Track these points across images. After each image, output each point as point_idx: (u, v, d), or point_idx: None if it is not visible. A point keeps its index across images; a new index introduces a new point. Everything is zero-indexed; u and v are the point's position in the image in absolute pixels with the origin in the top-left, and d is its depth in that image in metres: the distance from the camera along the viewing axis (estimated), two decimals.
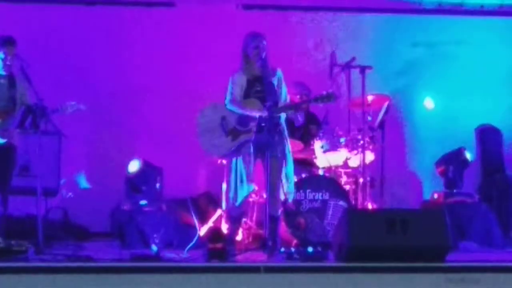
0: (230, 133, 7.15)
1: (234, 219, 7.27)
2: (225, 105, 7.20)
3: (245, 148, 7.11)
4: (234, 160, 7.13)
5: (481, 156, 9.32)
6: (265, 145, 6.92)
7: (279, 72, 7.24)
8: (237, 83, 7.19)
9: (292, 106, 7.37)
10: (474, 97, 9.52)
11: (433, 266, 6.13)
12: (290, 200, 7.27)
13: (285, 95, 7.28)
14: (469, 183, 8.89)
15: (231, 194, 7.13)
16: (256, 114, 7.08)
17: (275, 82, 7.16)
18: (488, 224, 8.12)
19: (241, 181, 7.10)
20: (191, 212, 7.82)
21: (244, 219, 7.73)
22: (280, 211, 7.19)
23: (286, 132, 7.23)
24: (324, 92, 7.14)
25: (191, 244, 7.19)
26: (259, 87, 7.13)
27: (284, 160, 7.13)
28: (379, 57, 9.20)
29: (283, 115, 7.19)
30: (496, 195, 8.83)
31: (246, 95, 7.18)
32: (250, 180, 7.11)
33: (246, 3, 9.44)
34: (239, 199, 7.12)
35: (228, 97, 7.22)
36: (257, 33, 7.22)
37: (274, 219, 7.11)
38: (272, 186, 7.02)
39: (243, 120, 7.14)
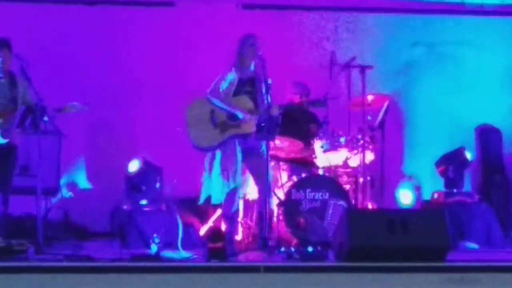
0: (219, 126, 7.18)
1: (230, 219, 7.28)
2: (206, 95, 7.23)
3: (232, 144, 7.15)
4: (218, 153, 7.16)
5: (481, 156, 9.33)
6: (269, 145, 6.98)
7: (269, 80, 7.22)
8: (227, 79, 7.23)
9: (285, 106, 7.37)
10: (474, 97, 9.52)
11: (433, 266, 6.14)
12: None
13: (268, 103, 7.20)
14: (469, 183, 8.90)
15: (212, 190, 7.18)
16: (241, 116, 7.11)
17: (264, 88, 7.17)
18: (488, 224, 8.12)
19: (226, 177, 7.13)
20: (179, 213, 7.82)
21: (242, 218, 7.75)
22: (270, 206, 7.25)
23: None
24: (318, 98, 7.19)
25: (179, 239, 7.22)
26: (250, 88, 7.19)
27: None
28: (379, 57, 9.20)
29: None
30: (496, 195, 8.85)
31: (236, 93, 7.21)
32: (234, 177, 7.13)
33: (246, 3, 9.44)
34: (221, 196, 7.17)
35: (210, 88, 7.24)
36: (251, 34, 7.25)
37: (264, 217, 7.19)
38: (262, 183, 7.10)
39: (233, 115, 7.16)
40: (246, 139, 7.16)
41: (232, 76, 7.23)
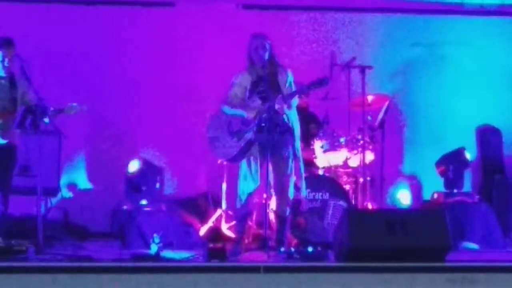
0: (236, 134, 7.14)
1: (240, 219, 7.24)
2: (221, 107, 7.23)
3: (251, 148, 7.09)
4: (243, 161, 7.11)
5: (481, 156, 9.33)
6: (269, 145, 6.91)
7: (289, 73, 7.20)
8: (238, 84, 7.18)
9: (289, 96, 7.14)
10: (474, 97, 9.52)
11: (433, 266, 6.13)
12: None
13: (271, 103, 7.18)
14: (469, 183, 8.90)
15: (238, 193, 7.11)
16: (245, 114, 7.07)
17: (284, 82, 7.13)
18: (488, 224, 8.11)
19: (245, 179, 7.08)
20: (190, 212, 7.82)
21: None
22: (288, 211, 7.17)
23: (296, 131, 7.17)
24: (317, 79, 7.07)
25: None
26: (263, 87, 7.11)
27: (293, 160, 7.11)
28: (379, 57, 9.21)
29: (293, 114, 7.15)
30: (496, 195, 8.84)
31: (250, 95, 7.18)
32: (253, 178, 7.05)
33: (246, 3, 9.44)
34: (244, 197, 7.09)
35: (224, 99, 7.22)
36: (258, 34, 7.21)
37: (282, 220, 7.13)
38: (280, 186, 7.04)
39: (246, 120, 7.14)
40: (265, 139, 7.01)
41: (243, 79, 7.18)
